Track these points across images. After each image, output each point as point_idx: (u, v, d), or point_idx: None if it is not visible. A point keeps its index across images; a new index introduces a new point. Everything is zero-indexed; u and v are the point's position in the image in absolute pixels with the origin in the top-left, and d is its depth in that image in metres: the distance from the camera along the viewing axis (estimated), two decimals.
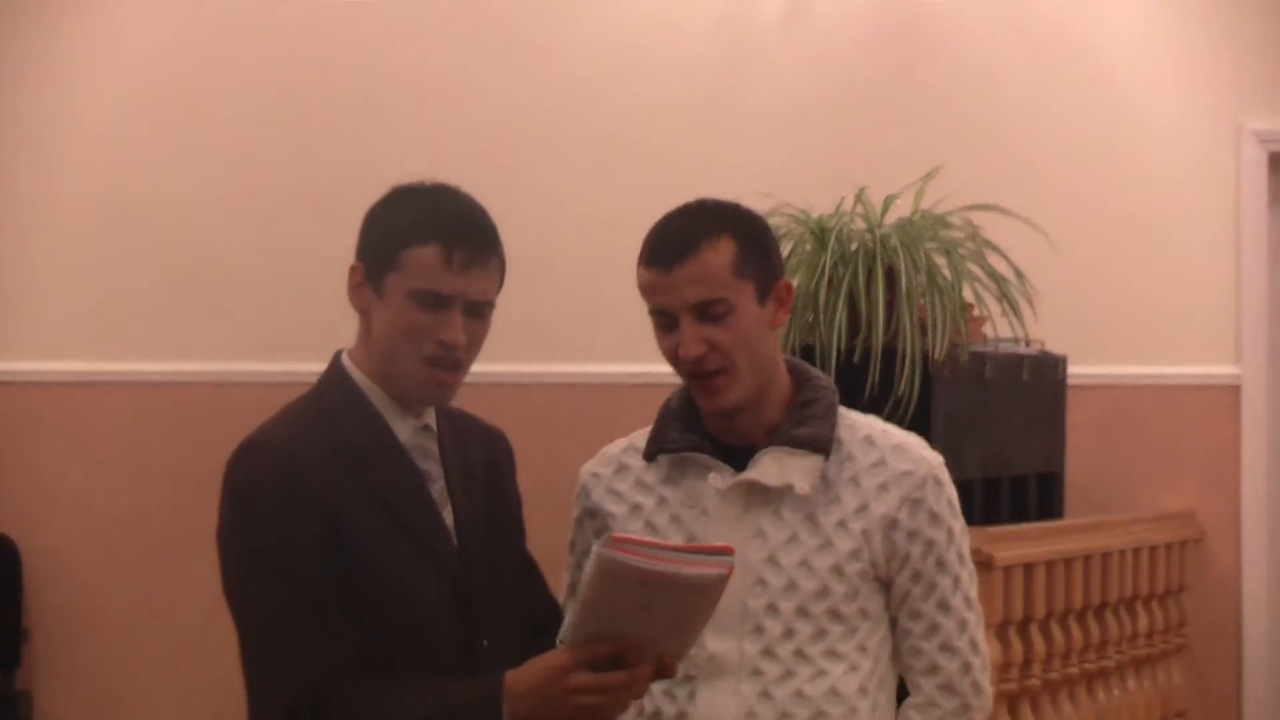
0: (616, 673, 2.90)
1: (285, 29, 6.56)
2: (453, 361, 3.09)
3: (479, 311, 3.11)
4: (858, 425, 3.25)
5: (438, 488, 3.14)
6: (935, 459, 3.25)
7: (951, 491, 3.25)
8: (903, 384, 5.00)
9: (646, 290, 3.19)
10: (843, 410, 3.26)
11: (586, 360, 6.25)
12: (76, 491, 6.46)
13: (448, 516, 3.13)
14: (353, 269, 3.16)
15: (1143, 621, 5.90)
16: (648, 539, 2.98)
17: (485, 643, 3.07)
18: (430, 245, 3.07)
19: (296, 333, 6.35)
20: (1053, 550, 5.33)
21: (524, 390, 5.93)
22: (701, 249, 3.14)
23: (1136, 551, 5.87)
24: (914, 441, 3.26)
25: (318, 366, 5.82)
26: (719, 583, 2.88)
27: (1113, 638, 5.70)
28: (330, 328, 6.27)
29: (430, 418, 3.18)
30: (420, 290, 3.06)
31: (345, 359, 3.19)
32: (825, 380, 3.28)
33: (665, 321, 3.18)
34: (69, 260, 6.51)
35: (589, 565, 2.89)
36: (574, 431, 5.82)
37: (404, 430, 3.13)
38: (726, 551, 2.89)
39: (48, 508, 6.44)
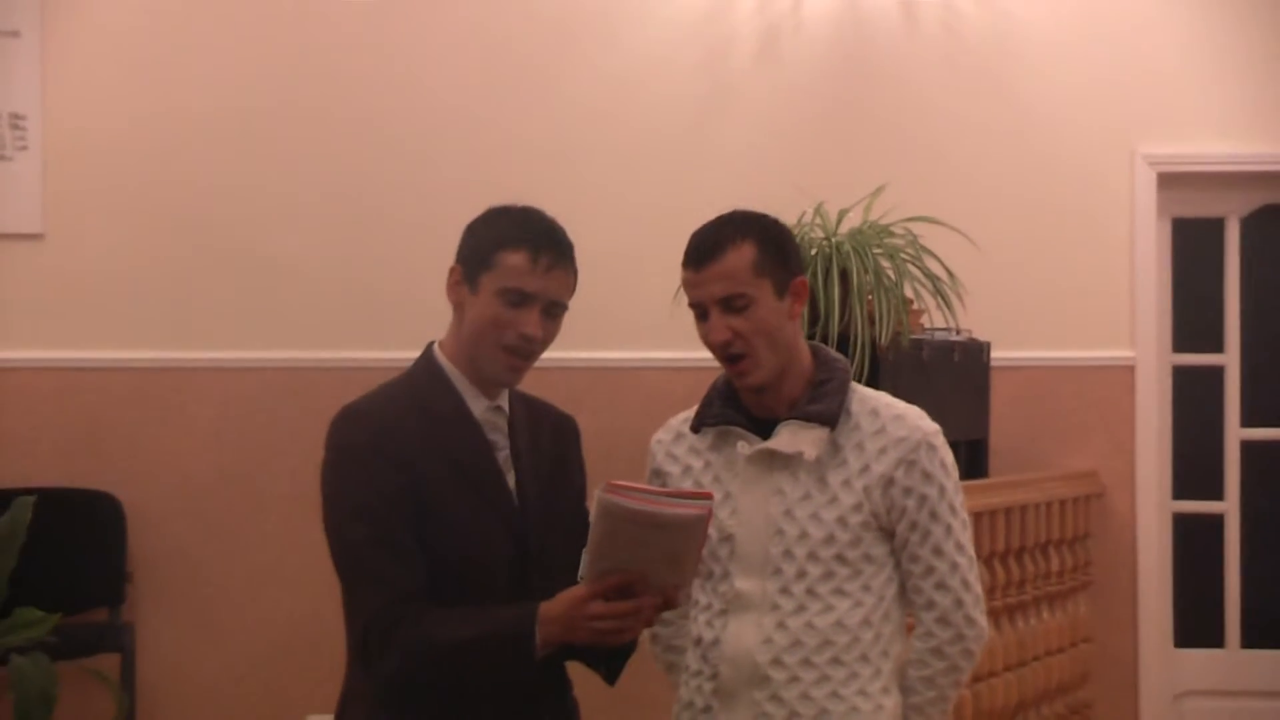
0: (625, 602, 2.97)
1: (348, 37, 6.52)
2: (528, 351, 3.16)
3: (554, 312, 3.17)
4: (867, 399, 3.29)
5: (503, 455, 3.18)
6: (930, 427, 3.28)
7: (945, 454, 3.28)
8: (854, 366, 5.01)
9: (685, 287, 3.25)
10: (856, 386, 3.31)
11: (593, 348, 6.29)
12: (170, 458, 6.41)
13: (512, 479, 3.17)
14: (452, 269, 3.21)
15: (1054, 563, 5.88)
16: (639, 485, 3.01)
17: (536, 581, 3.12)
18: (521, 251, 3.12)
19: (356, 328, 6.36)
20: (980, 504, 5.32)
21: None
22: (726, 252, 3.19)
23: (1049, 504, 5.85)
24: (913, 412, 3.30)
25: (374, 355, 5.93)
26: (699, 522, 2.92)
27: (1030, 576, 5.67)
28: (383, 324, 6.41)
29: (503, 400, 3.23)
30: (509, 288, 3.12)
31: (436, 348, 3.24)
32: (842, 362, 3.32)
33: (700, 312, 3.23)
34: (167, 269, 6.43)
35: (594, 508, 2.93)
36: (584, 408, 5.88)
37: (478, 407, 3.18)
38: (706, 497, 2.95)
39: (146, 472, 6.39)
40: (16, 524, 5.69)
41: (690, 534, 2.93)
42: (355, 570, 3.09)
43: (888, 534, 3.26)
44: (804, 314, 4.99)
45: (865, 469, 3.22)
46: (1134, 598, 6.49)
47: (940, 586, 3.26)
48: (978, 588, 3.30)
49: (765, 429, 3.26)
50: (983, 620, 3.29)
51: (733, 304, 3.19)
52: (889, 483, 3.22)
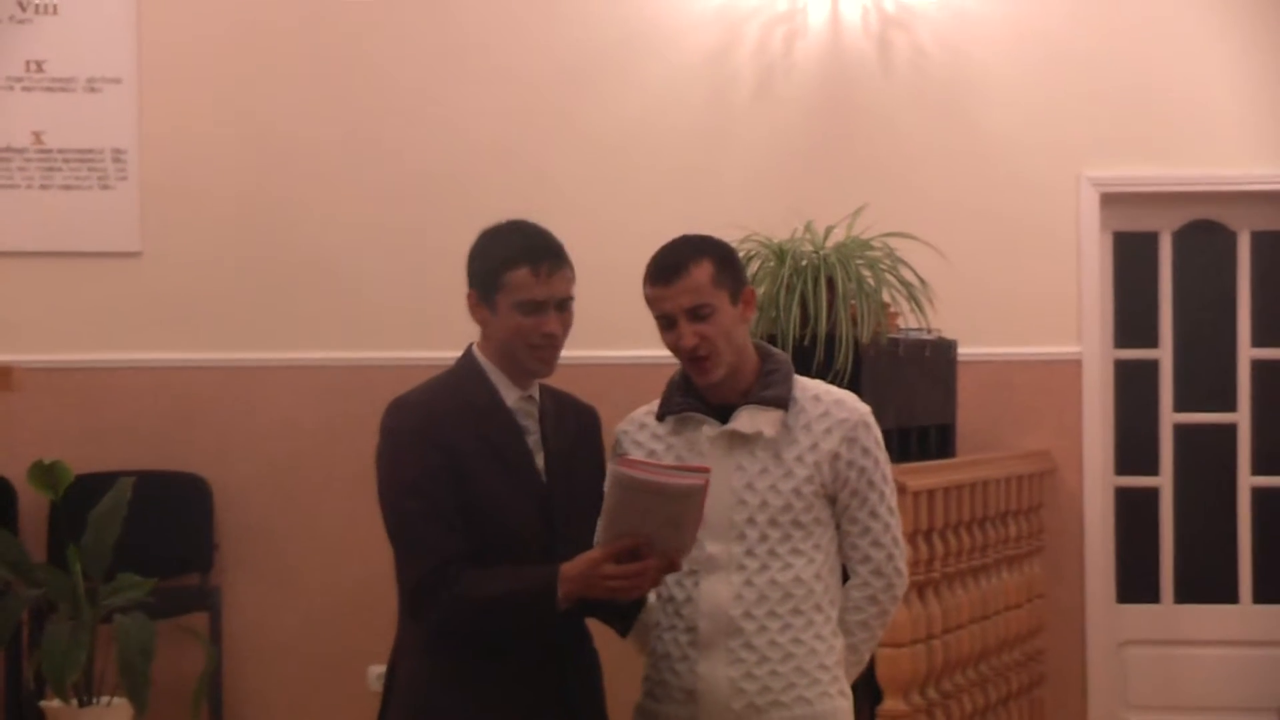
0: (634, 564, 2.98)
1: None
2: (552, 345, 3.14)
3: (564, 306, 3.15)
4: (808, 386, 3.30)
5: (533, 439, 3.17)
6: (865, 408, 3.30)
7: (878, 432, 3.30)
8: (840, 361, 5.02)
9: (652, 301, 3.23)
10: (797, 376, 3.31)
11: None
12: (250, 445, 6.46)
13: (540, 460, 3.16)
14: (469, 295, 3.19)
15: (1012, 529, 5.86)
16: (647, 460, 3.07)
17: (561, 547, 3.09)
18: (522, 267, 3.11)
19: (406, 331, 6.39)
20: (948, 479, 5.31)
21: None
22: (690, 269, 3.19)
23: (1008, 479, 5.84)
24: (849, 396, 3.32)
25: (422, 354, 5.89)
26: (698, 492, 2.94)
27: (991, 541, 5.65)
28: (429, 329, 6.38)
29: (533, 390, 3.21)
30: (522, 301, 3.11)
31: (474, 347, 3.22)
32: (783, 355, 3.34)
33: (666, 323, 3.22)
34: (246, 281, 6.51)
35: (607, 480, 2.99)
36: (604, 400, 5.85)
37: (510, 397, 3.17)
38: (703, 470, 2.98)
39: (230, 456, 6.41)
40: (119, 501, 5.75)
41: (690, 502, 2.94)
42: (405, 538, 3.09)
43: (831, 500, 3.26)
44: (795, 315, 5.02)
45: (814, 445, 3.23)
46: (1081, 559, 6.51)
47: (875, 543, 3.26)
48: (904, 544, 3.33)
49: (721, 414, 3.25)
50: (906, 570, 3.32)
51: (699, 313, 3.19)
52: (835, 457, 3.23)
